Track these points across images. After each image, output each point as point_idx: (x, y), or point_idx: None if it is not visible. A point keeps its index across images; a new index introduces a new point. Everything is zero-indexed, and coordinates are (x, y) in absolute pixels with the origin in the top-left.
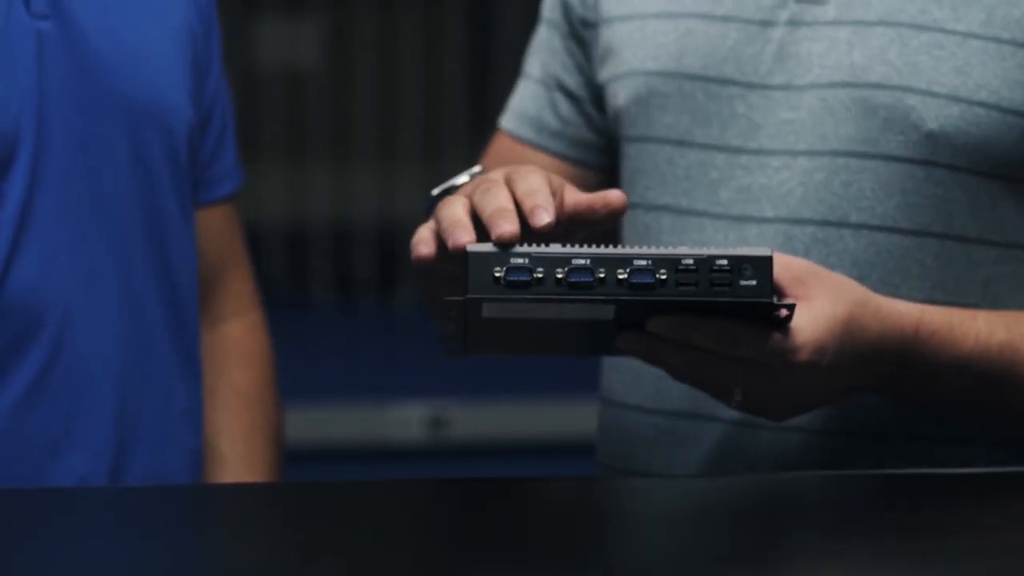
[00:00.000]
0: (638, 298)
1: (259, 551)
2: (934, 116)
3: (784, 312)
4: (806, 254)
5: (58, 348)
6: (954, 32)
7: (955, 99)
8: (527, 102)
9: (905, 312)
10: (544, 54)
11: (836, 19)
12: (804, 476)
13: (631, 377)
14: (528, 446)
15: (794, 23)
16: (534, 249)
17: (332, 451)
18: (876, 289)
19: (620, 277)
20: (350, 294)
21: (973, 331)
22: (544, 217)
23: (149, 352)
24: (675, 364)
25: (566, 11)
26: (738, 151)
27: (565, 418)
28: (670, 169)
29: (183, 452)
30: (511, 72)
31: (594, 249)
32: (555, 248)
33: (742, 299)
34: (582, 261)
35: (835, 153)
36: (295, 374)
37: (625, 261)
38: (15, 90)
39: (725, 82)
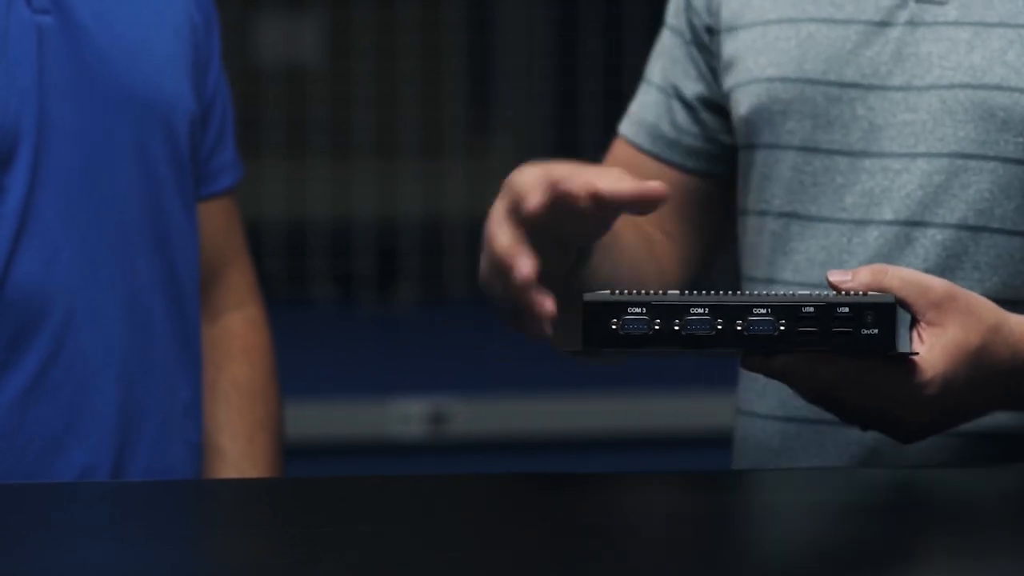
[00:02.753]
0: (758, 350)
1: (259, 548)
2: None
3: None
4: (925, 258)
5: (60, 343)
6: None
7: None
8: (646, 109)
9: (1013, 332)
10: (665, 60)
11: (957, 20)
12: (945, 471)
13: (760, 387)
14: (528, 442)
15: (913, 23)
16: (652, 297)
17: (332, 447)
18: (998, 292)
19: (738, 328)
20: (350, 291)
21: None
22: (524, 267)
23: (151, 347)
24: (804, 392)
25: (690, 18)
26: (861, 154)
27: (566, 414)
28: (796, 176)
29: (185, 446)
30: (511, 69)
31: (711, 297)
32: (672, 296)
33: (863, 350)
34: (700, 311)
35: (954, 155)
36: (295, 370)
37: (744, 310)
38: (16, 85)
39: (846, 85)
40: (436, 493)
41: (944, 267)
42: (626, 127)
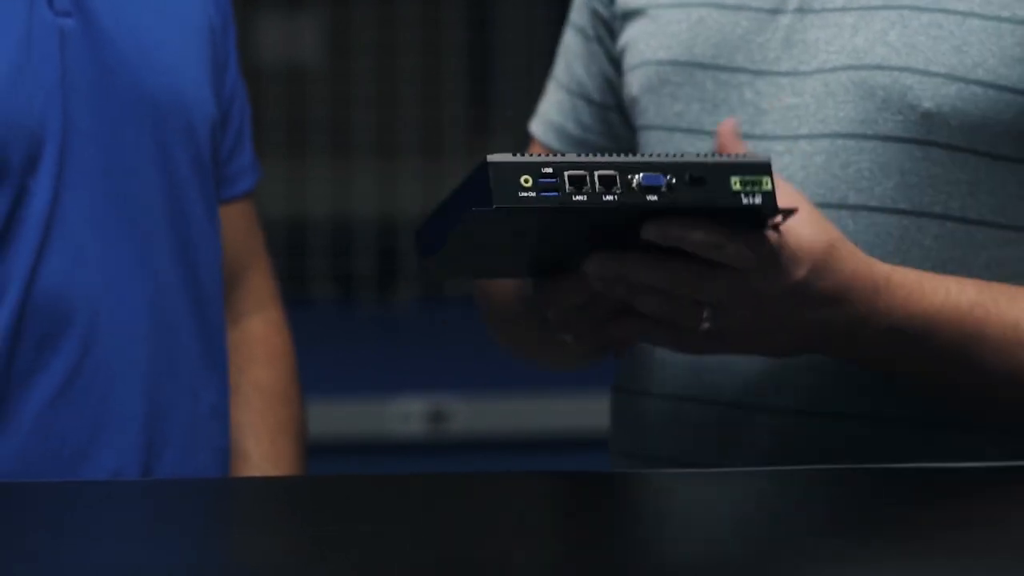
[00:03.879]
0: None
1: (259, 546)
2: (930, 95)
3: (779, 220)
4: None
5: (87, 347)
6: (955, 12)
7: (952, 78)
8: (552, 108)
9: (876, 263)
10: (569, 58)
11: (844, 6)
12: (795, 470)
13: (644, 364)
14: (528, 440)
15: (802, 10)
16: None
17: (333, 446)
18: None
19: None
20: (350, 290)
21: (943, 288)
22: None
23: (176, 351)
24: (649, 279)
25: (591, 13)
26: (745, 137)
27: (565, 412)
28: None
29: (211, 450)
30: (511, 69)
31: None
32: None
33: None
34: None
35: (834, 135)
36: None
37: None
38: (40, 87)
39: (735, 70)
40: (436, 492)
41: None
42: (535, 126)
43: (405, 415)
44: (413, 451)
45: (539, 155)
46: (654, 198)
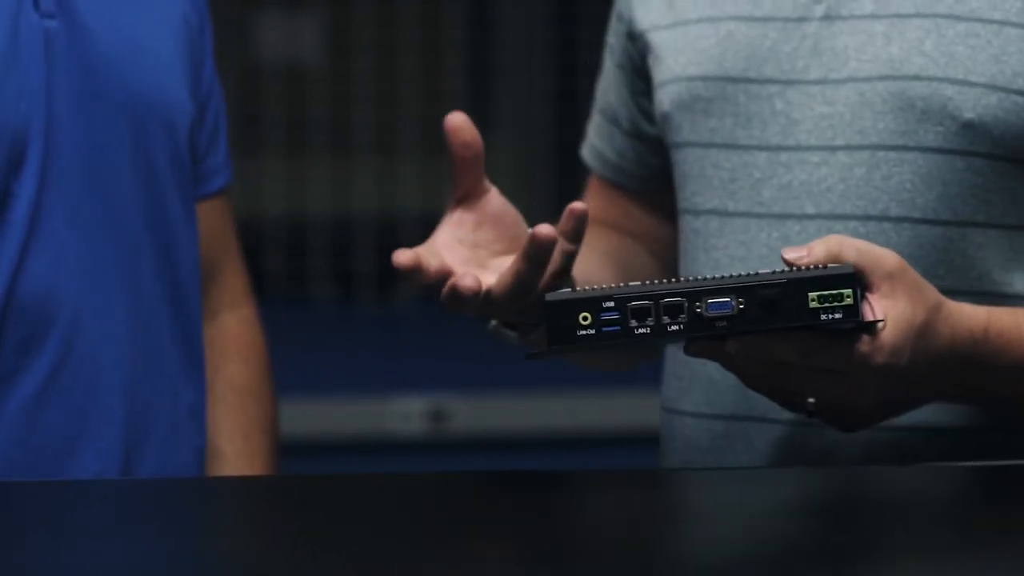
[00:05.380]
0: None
1: (260, 544)
2: (971, 106)
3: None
4: None
5: (68, 348)
6: (990, 21)
7: (993, 88)
8: (593, 130)
9: (972, 315)
10: (605, 83)
11: (873, 13)
12: (874, 469)
13: (685, 383)
14: (528, 439)
15: (829, 17)
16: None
17: (333, 445)
18: None
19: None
20: (350, 289)
21: None
22: (468, 282)
23: (156, 351)
24: (749, 376)
25: (616, 33)
26: (779, 148)
27: (566, 412)
28: (716, 173)
29: (190, 450)
30: (511, 68)
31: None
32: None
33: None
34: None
35: (874, 147)
36: (296, 369)
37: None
38: (26, 89)
39: (765, 81)
40: (436, 491)
41: None
42: (584, 150)
43: (405, 414)
44: (413, 450)
45: (597, 287)
46: (723, 324)
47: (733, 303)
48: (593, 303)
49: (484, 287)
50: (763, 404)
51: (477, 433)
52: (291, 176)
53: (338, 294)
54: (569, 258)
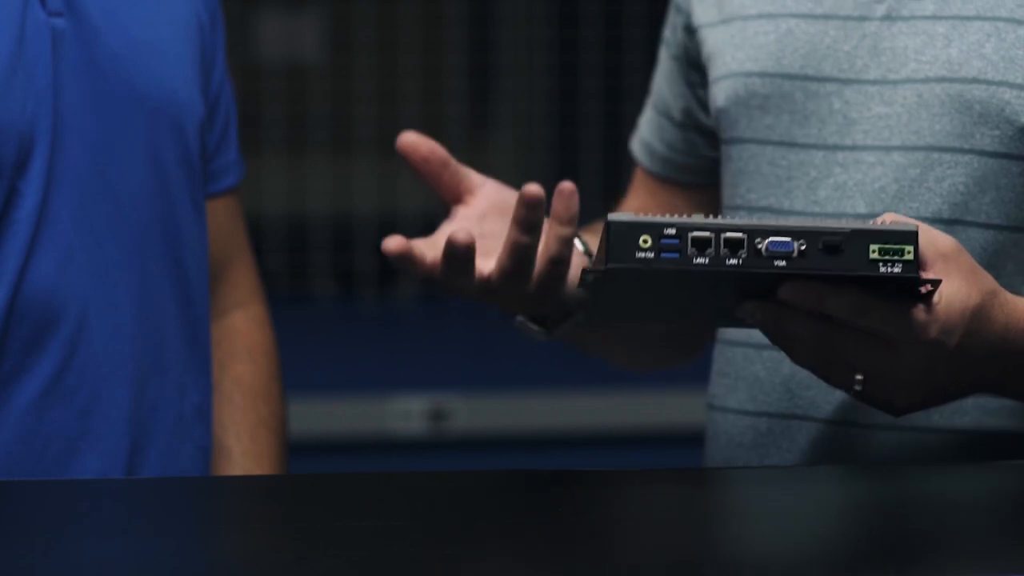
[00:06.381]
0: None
1: (260, 544)
2: None
3: (927, 288)
4: None
5: (74, 347)
6: None
7: None
8: (644, 124)
9: None
10: (658, 76)
11: (934, 14)
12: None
13: (731, 381)
14: (528, 439)
15: (890, 17)
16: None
17: (333, 444)
18: None
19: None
20: (351, 287)
21: None
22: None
23: (163, 351)
24: (800, 335)
25: (674, 27)
26: (835, 148)
27: (566, 411)
28: (772, 171)
29: (195, 449)
30: (512, 66)
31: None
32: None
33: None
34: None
35: (929, 148)
36: (296, 367)
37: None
38: (32, 88)
39: (823, 80)
40: (436, 490)
41: None
42: (633, 142)
43: (405, 413)
44: (413, 449)
45: (662, 216)
46: (782, 263)
47: (794, 244)
48: (655, 228)
49: (486, 272)
50: (807, 402)
51: (477, 433)
52: (291, 174)
53: (339, 292)
54: (565, 244)
